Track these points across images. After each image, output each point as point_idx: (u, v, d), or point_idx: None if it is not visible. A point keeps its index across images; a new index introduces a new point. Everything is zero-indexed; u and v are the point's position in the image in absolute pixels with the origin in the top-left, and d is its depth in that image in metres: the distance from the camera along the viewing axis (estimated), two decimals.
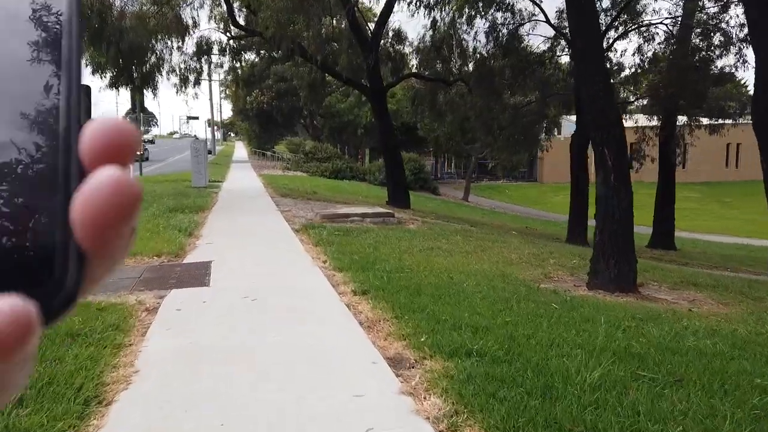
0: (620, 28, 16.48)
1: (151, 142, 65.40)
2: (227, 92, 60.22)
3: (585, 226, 16.59)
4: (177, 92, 16.60)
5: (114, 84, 13.21)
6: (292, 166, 33.37)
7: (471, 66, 20.23)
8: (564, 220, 31.03)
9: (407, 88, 24.45)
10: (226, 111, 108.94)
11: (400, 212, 15.75)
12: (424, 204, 22.57)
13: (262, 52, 37.47)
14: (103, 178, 0.26)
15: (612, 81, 18.70)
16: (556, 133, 25.35)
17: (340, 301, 4.78)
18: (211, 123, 56.10)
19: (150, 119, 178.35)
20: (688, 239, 23.10)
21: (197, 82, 16.94)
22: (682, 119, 18.54)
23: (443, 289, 5.24)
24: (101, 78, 12.84)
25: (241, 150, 72.63)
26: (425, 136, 32.82)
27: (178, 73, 16.38)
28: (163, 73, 15.01)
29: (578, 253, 9.23)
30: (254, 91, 35.19)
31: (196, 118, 65.21)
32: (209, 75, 50.17)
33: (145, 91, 15.87)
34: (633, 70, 17.70)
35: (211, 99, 52.77)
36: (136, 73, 13.68)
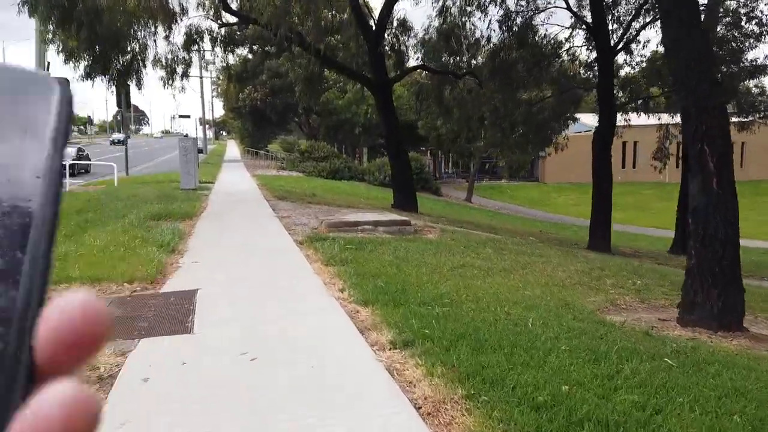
0: (646, 17, 15.17)
1: (121, 142, 60.32)
2: (219, 90, 58.67)
3: (608, 230, 15.30)
4: (164, 85, 15.18)
5: (89, 74, 11.74)
6: (287, 165, 31.92)
7: (482, 58, 18.92)
8: (572, 222, 29.84)
9: (410, 83, 23.08)
10: (218, 110, 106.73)
11: (408, 217, 14.38)
12: (430, 206, 21.20)
13: (255, 46, 35.98)
14: (53, 401, 0.23)
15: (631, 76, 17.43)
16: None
17: (377, 360, 3.39)
18: (202, 121, 54.47)
19: (141, 117, 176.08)
20: None
21: (185, 75, 15.49)
22: None
23: (508, 335, 3.87)
24: (74, 67, 11.39)
25: (233, 149, 70.95)
26: (426, 135, 31.48)
27: (164, 64, 14.92)
28: (148, 63, 13.53)
29: (632, 270, 7.89)
30: (247, 88, 33.69)
31: (188, 116, 63.93)
32: (200, 71, 48.58)
33: (129, 83, 14.38)
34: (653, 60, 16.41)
35: (202, 96, 51.11)
36: (115, 62, 12.20)
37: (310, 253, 7.16)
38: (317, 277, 5.82)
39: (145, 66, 14.74)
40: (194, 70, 59.35)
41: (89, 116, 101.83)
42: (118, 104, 24.31)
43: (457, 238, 8.95)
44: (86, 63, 11.55)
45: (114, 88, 24.79)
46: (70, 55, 11.14)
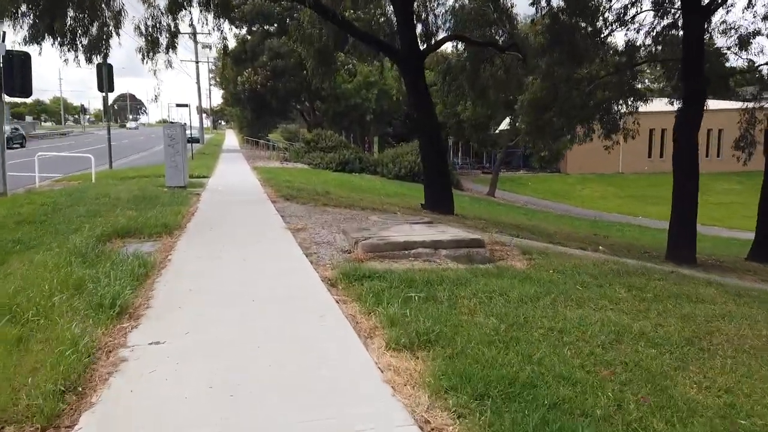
0: None
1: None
2: (217, 79, 55.61)
3: (693, 239, 12.43)
4: (143, 59, 12.25)
5: (34, 37, 8.79)
6: (290, 156, 28.99)
7: (528, 31, 16.00)
8: (611, 220, 26.98)
9: (435, 62, 20.08)
10: (216, 99, 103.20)
11: (443, 219, 11.55)
12: (458, 204, 18.34)
13: (255, 26, 32.89)
14: None
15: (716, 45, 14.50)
16: None
17: None
18: (199, 109, 51.41)
19: (138, 107, 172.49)
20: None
21: (171, 47, 12.55)
22: None
23: None
24: (13, 28, 8.46)
25: (231, 138, 67.74)
26: (444, 122, 28.49)
27: (143, 31, 11.98)
28: (123, 23, 10.62)
29: None
30: (246, 71, 30.65)
31: (186, 105, 60.39)
32: (196, 55, 45.49)
33: (93, 55, 11.44)
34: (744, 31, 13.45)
35: (198, 82, 48.12)
36: (71, 21, 9.31)
37: (353, 309, 4.31)
38: (386, 387, 2.97)
39: (118, 34, 11.85)
40: (189, 54, 56.06)
41: (83, 105, 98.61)
42: (99, 87, 21.36)
43: (555, 266, 6.10)
44: (31, 21, 8.64)
45: (96, 70, 21.85)
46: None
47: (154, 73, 12.38)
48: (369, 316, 4.06)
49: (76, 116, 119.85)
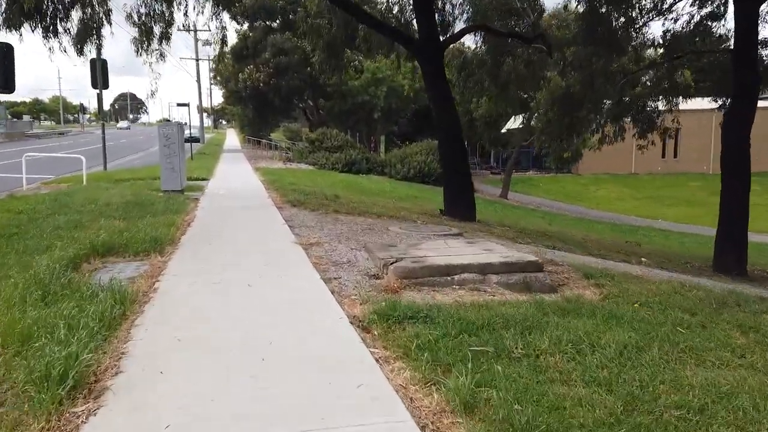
0: None
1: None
2: (217, 78, 54.60)
3: (744, 249, 11.23)
4: (137, 51, 11.10)
5: (11, 21, 7.61)
6: (294, 156, 27.82)
7: (554, 21, 14.86)
8: (631, 223, 25.76)
9: (447, 57, 18.87)
10: (217, 98, 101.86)
11: (465, 226, 10.39)
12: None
13: (257, 22, 31.66)
14: None
15: None
16: None
17: None
18: (199, 108, 50.22)
19: (139, 106, 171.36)
20: None
21: (165, 37, 11.38)
22: None
23: None
24: None
25: (232, 138, 66.51)
26: None
27: (136, 20, 10.83)
28: (110, 7, 9.46)
29: None
30: (248, 67, 29.44)
31: (186, 104, 59.60)
32: (196, 52, 44.34)
33: (84, 46, 10.28)
34: None
35: (198, 80, 46.94)
36: (47, 1, 8.15)
37: (402, 376, 3.12)
38: None
39: (109, 22, 10.68)
40: (190, 52, 54.85)
41: (82, 104, 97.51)
42: (93, 84, 20.19)
43: (632, 295, 4.92)
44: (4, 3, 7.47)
45: (89, 65, 20.68)
46: None
47: (150, 66, 11.23)
48: (429, 391, 2.88)
49: (76, 115, 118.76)
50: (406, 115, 32.63)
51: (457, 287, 4.92)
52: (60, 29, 8.88)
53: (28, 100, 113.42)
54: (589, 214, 26.59)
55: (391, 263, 5.25)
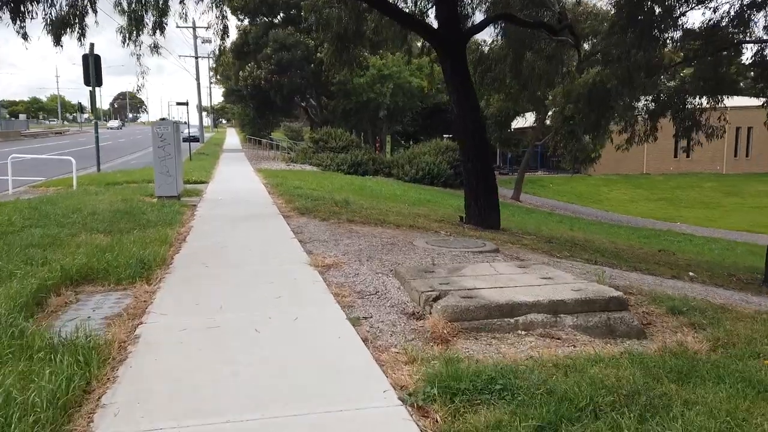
0: None
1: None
2: (217, 77, 53.62)
3: None
4: (124, 41, 10.00)
5: None
6: (297, 157, 26.72)
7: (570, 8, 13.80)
8: (645, 225, 24.67)
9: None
10: (217, 97, 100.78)
11: (491, 237, 9.32)
12: None
13: (258, 17, 30.54)
14: None
15: None
16: None
17: None
18: (198, 107, 49.09)
19: (139, 105, 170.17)
20: None
21: (158, 28, 10.31)
22: None
23: None
24: None
25: (233, 137, 65.32)
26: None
27: (125, 8, 9.73)
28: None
29: None
30: (248, 65, 28.32)
31: (185, 103, 58.79)
32: (195, 50, 43.25)
33: (63, 33, 9.19)
34: None
35: (198, 78, 45.83)
36: None
37: None
38: None
39: (94, 9, 9.62)
40: (189, 50, 53.62)
41: (80, 103, 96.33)
42: (86, 81, 19.10)
43: (746, 341, 3.85)
44: None
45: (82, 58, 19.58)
46: None
47: (138, 59, 10.14)
48: None
49: (75, 114, 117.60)
50: (411, 113, 31.53)
51: (523, 333, 3.84)
52: (25, 11, 7.80)
53: (26, 98, 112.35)
54: (605, 216, 25.50)
55: (433, 297, 4.18)
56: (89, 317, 4.19)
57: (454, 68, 10.43)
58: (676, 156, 40.01)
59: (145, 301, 4.58)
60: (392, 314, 4.28)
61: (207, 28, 28.37)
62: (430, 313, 4.08)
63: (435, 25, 11.05)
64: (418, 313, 4.25)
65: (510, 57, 13.51)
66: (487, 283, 4.55)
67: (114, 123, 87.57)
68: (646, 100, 12.08)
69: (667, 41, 10.03)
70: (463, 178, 11.44)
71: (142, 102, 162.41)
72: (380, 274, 5.50)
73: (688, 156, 40.94)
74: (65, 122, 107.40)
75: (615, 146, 13.53)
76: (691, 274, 9.63)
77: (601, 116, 13.17)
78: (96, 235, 7.06)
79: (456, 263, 5.75)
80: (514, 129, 31.50)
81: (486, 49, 15.75)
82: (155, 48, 10.39)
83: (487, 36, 30.96)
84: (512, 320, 3.90)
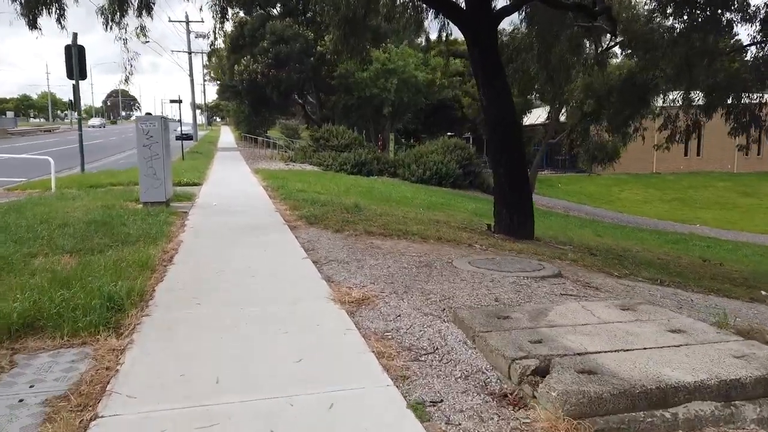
0: None
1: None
2: (211, 74, 52.02)
3: None
4: (106, 24, 8.61)
5: None
6: (296, 156, 25.30)
7: None
8: (665, 228, 23.42)
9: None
10: (211, 95, 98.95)
11: (533, 251, 8.00)
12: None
13: (254, 9, 29.02)
14: None
15: None
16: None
17: None
18: (192, 104, 47.48)
19: (131, 103, 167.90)
20: None
21: (145, 7, 8.90)
22: None
23: None
24: None
25: (227, 135, 63.65)
26: (472, 117, 24.83)
27: None
28: None
29: None
30: (244, 58, 26.85)
31: (179, 101, 57.40)
32: (188, 45, 41.70)
33: (38, 14, 7.82)
34: None
35: (191, 75, 44.23)
36: None
37: None
38: None
39: None
40: (182, 45, 52.01)
41: (71, 100, 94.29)
42: (69, 74, 17.62)
43: None
44: None
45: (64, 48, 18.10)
46: None
47: (124, 43, 8.76)
48: None
49: (66, 112, 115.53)
50: (415, 110, 30.16)
51: None
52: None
53: (16, 96, 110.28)
54: (621, 219, 24.22)
55: (532, 370, 2.81)
56: (21, 401, 2.81)
57: (484, 56, 9.05)
58: (686, 155, 38.81)
59: (107, 367, 3.19)
60: (472, 394, 2.90)
61: (201, 21, 26.91)
62: (533, 396, 2.71)
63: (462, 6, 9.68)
64: (511, 393, 2.87)
65: (537, 46, 12.17)
66: (600, 341, 3.18)
67: (95, 121, 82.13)
68: (694, 94, 10.76)
69: (733, 22, 8.70)
70: (494, 181, 10.08)
71: (135, 99, 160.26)
72: (430, 315, 4.13)
73: (698, 154, 39.74)
74: (56, 120, 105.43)
75: (654, 146, 12.22)
76: (763, 293, 8.33)
77: (636, 111, 11.85)
78: (60, 256, 5.65)
79: (529, 300, 4.38)
80: (524, 126, 30.18)
81: (505, 38, 14.42)
82: (142, 31, 9.01)
83: (506, 24, 29.45)
84: (668, 414, 2.53)
